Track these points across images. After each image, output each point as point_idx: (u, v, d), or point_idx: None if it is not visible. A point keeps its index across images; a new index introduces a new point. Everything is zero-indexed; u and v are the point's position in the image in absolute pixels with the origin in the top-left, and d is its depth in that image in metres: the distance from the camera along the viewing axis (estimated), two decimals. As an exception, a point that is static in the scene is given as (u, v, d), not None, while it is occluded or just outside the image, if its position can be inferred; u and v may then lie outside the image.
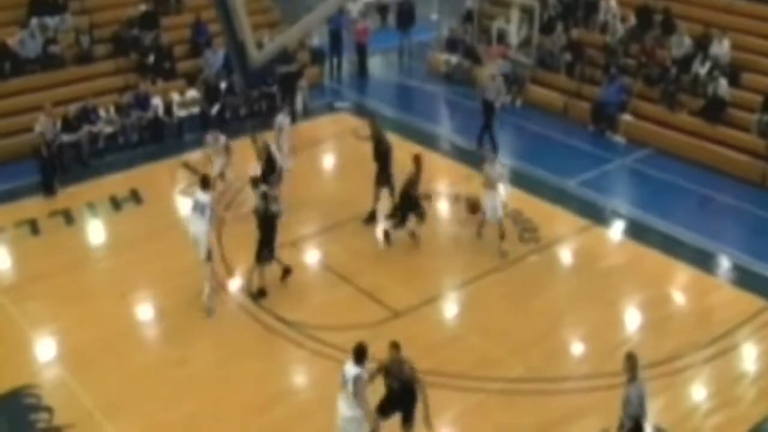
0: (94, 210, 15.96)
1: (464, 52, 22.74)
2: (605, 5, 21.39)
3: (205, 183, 12.91)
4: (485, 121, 18.37)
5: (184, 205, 14.41)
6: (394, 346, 9.66)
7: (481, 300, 13.30)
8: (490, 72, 18.85)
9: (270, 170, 14.98)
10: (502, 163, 15.55)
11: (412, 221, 14.52)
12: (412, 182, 14.31)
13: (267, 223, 12.95)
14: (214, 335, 12.42)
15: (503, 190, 14.61)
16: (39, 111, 17.81)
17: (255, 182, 13.69)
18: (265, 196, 12.96)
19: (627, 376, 9.32)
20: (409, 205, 14.37)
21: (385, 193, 15.27)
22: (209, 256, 12.89)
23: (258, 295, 13.19)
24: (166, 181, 17.22)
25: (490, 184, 14.20)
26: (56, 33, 19.77)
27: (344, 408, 9.55)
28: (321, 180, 17.41)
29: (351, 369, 9.40)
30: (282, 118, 16.45)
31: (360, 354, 9.41)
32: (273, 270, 13.49)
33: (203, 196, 12.74)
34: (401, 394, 9.72)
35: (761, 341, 12.44)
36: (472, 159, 18.00)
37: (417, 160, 14.33)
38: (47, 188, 16.53)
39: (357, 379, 9.30)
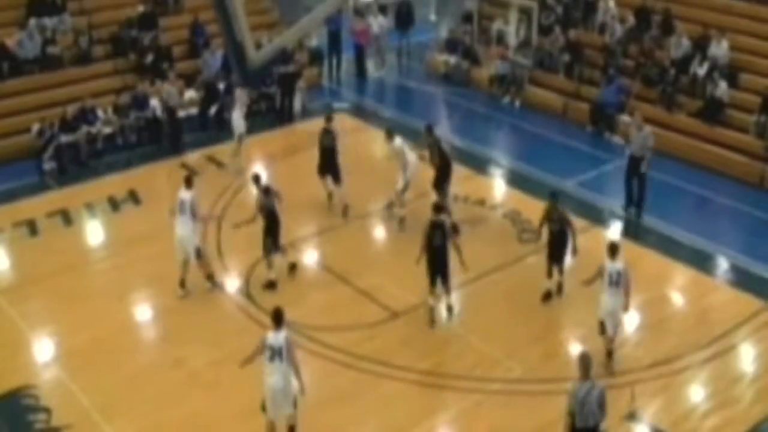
0: (92, 210, 15.95)
1: (463, 52, 22.75)
2: (604, 6, 21.40)
3: (189, 182, 13.16)
4: (640, 182, 15.69)
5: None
6: (438, 208, 12.34)
7: (480, 301, 13.29)
8: (635, 121, 15.80)
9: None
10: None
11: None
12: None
13: None
14: (211, 336, 12.40)
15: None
16: (38, 111, 17.90)
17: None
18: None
19: (580, 375, 9.28)
20: None
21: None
22: (199, 254, 13.07)
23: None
24: (165, 181, 17.21)
25: (613, 281, 11.49)
26: (55, 34, 19.77)
27: (276, 379, 9.75)
28: (318, 181, 17.37)
29: (278, 336, 9.71)
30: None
31: (279, 318, 9.76)
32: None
33: (186, 194, 12.97)
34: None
35: (759, 342, 12.43)
36: (471, 160, 18.02)
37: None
38: (175, 149, 18.05)
39: (288, 341, 9.72)
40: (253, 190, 14.04)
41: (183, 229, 12.99)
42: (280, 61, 18.84)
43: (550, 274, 13.15)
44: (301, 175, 17.37)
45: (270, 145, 18.88)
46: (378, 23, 23.47)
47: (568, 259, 13.18)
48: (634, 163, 15.55)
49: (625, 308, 11.58)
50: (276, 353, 9.69)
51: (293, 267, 13.87)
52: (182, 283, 13.19)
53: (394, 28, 24.56)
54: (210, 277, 13.38)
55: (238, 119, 17.01)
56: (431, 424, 10.90)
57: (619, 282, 11.38)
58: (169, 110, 18.34)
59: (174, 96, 18.39)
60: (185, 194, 13.02)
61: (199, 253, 13.16)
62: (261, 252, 13.70)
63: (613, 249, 11.52)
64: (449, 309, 12.84)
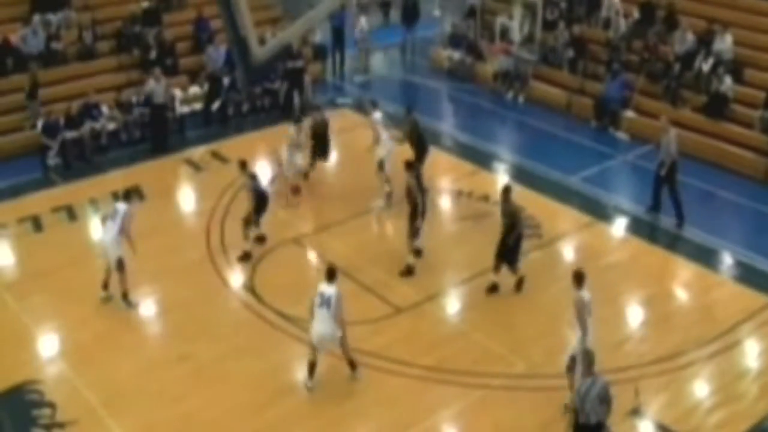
0: (96, 206, 15.95)
1: (467, 48, 22.73)
2: (608, 1, 21.36)
3: (127, 196, 12.87)
4: (670, 188, 15.19)
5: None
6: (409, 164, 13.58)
7: (483, 296, 13.27)
8: (662, 124, 15.26)
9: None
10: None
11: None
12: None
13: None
14: (216, 331, 12.42)
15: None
16: (41, 107, 17.91)
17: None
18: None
19: (582, 371, 9.33)
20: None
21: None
22: (120, 266, 12.70)
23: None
24: (168, 177, 17.24)
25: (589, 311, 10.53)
26: (59, 29, 19.78)
27: (322, 326, 10.83)
28: (322, 176, 17.38)
29: (329, 289, 10.87)
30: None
31: (332, 274, 10.96)
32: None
33: (122, 206, 12.68)
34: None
35: (764, 338, 12.42)
36: (475, 155, 18.01)
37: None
38: (158, 148, 17.84)
39: (338, 296, 10.83)
40: (241, 177, 14.33)
41: (106, 235, 12.78)
42: (288, 56, 18.87)
43: (497, 269, 13.14)
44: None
45: (277, 139, 18.84)
46: (360, 25, 22.98)
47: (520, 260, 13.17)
48: (670, 168, 15.01)
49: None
50: (325, 301, 10.80)
51: (261, 239, 14.36)
52: (105, 285, 12.96)
53: (400, 23, 24.56)
54: (125, 295, 12.85)
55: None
56: (435, 419, 10.90)
57: (590, 312, 10.51)
58: (154, 107, 18.11)
59: (159, 93, 18.08)
60: (121, 205, 12.71)
61: (121, 266, 12.69)
62: (251, 232, 14.07)
63: (579, 277, 10.63)
64: (419, 253, 13.98)
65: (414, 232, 13.70)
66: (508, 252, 13.04)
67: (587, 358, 9.35)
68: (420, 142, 16.08)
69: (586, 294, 10.61)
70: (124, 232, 12.62)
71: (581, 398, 9.22)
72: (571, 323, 10.84)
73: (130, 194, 13.10)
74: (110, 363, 11.76)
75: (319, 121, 16.61)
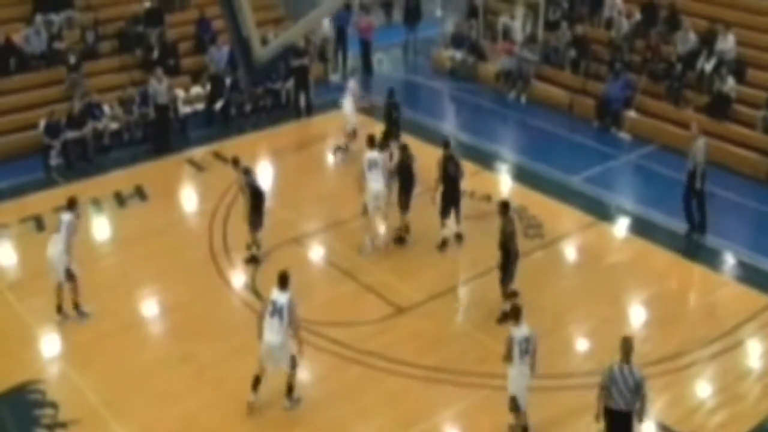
0: (98, 206, 15.97)
1: (469, 48, 22.73)
2: (610, 1, 21.35)
3: (71, 204, 12.51)
4: (699, 200, 14.83)
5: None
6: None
7: (486, 296, 13.26)
8: (692, 131, 14.85)
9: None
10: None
11: None
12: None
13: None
14: (218, 331, 12.42)
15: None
16: (43, 107, 17.91)
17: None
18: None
19: (620, 357, 9.31)
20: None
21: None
22: (70, 277, 12.40)
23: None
24: (171, 177, 17.26)
25: (522, 349, 9.90)
26: (61, 29, 19.79)
27: (273, 336, 10.30)
28: (324, 177, 17.40)
29: (281, 295, 10.29)
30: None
31: (284, 280, 10.35)
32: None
33: (66, 216, 12.38)
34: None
35: (766, 338, 12.41)
36: (477, 156, 18.00)
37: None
38: (160, 148, 17.80)
39: (291, 304, 10.24)
40: (233, 173, 14.25)
41: (53, 248, 12.25)
42: (293, 54, 18.86)
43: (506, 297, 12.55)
44: (309, 171, 17.42)
45: (279, 139, 18.88)
46: (324, 27, 22.68)
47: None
48: (694, 177, 14.56)
49: (531, 370, 10.02)
50: (277, 311, 10.25)
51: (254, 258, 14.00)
52: (59, 309, 12.49)
53: (402, 23, 24.56)
54: (77, 305, 12.53)
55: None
56: (437, 419, 10.91)
57: (528, 350, 9.89)
58: (157, 108, 18.10)
59: (162, 93, 18.05)
60: (65, 215, 12.35)
61: (71, 276, 12.35)
62: (257, 235, 13.96)
63: (516, 312, 10.00)
64: (459, 237, 14.45)
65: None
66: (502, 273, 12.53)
67: (626, 344, 9.31)
68: (390, 124, 16.54)
69: (519, 331, 9.89)
70: (67, 244, 12.24)
71: (610, 379, 9.26)
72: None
73: (74, 203, 12.51)
74: (112, 363, 11.77)
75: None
